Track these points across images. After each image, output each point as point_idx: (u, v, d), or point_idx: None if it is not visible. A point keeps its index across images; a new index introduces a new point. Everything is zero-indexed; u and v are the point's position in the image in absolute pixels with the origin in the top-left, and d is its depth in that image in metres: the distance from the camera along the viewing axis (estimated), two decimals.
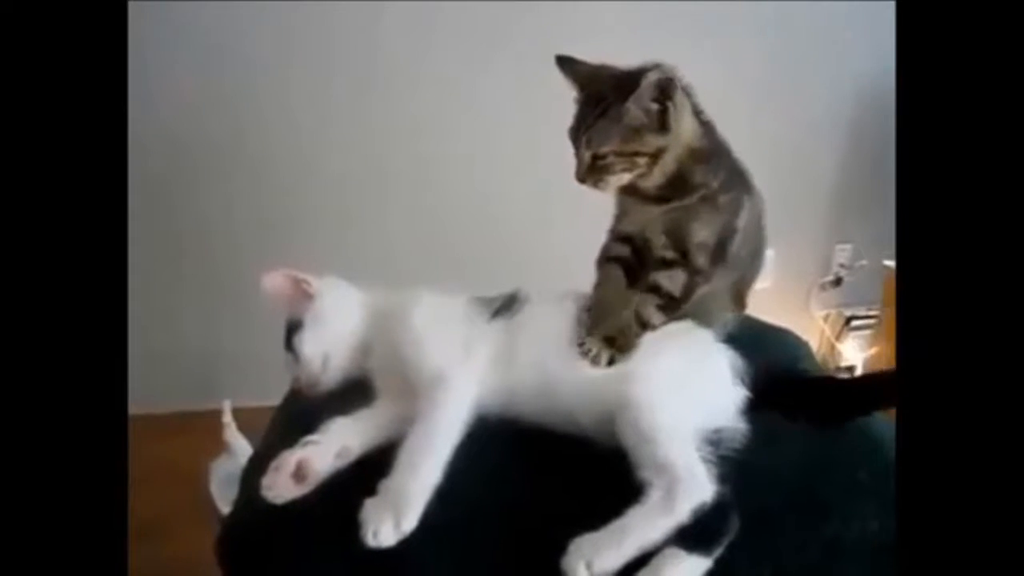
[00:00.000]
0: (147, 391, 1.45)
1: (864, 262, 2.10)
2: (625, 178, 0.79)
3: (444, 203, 1.84)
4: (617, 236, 0.88)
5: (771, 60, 1.86)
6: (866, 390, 0.82)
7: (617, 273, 0.86)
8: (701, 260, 0.82)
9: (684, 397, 0.73)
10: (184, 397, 1.82)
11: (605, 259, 0.88)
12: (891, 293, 1.95)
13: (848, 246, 2.13)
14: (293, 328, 0.82)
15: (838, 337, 2.16)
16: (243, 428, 1.53)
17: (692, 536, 0.63)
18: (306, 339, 0.80)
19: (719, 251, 0.83)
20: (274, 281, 0.82)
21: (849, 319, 2.15)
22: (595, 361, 0.77)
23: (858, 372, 2.12)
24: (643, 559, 0.61)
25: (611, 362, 0.77)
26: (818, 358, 2.19)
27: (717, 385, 0.77)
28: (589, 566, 0.60)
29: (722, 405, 0.75)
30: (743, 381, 0.77)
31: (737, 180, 0.84)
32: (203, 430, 1.58)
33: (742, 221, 0.84)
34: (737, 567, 0.63)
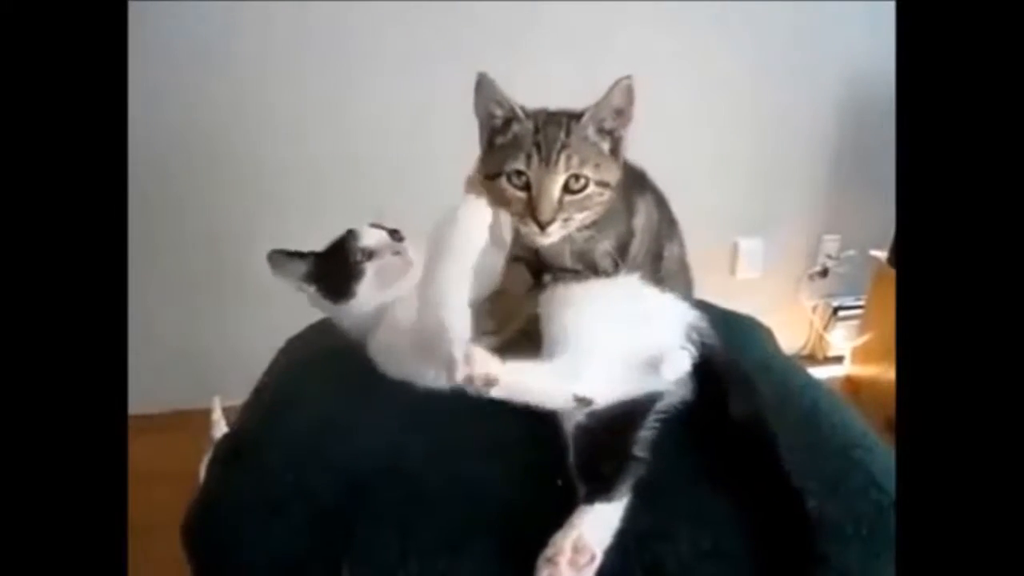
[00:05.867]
0: (140, 390, 1.48)
1: (851, 252, 2.11)
2: (585, 217, 0.75)
3: (436, 198, 1.85)
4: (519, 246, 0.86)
5: (759, 52, 1.86)
6: None
7: (522, 272, 0.85)
8: (607, 267, 0.82)
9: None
10: (177, 396, 1.85)
11: (511, 259, 0.87)
12: (878, 283, 1.96)
13: (835, 237, 2.13)
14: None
15: (826, 327, 2.17)
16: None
17: (593, 489, 0.65)
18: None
19: (620, 254, 0.82)
20: None
21: (836, 309, 2.15)
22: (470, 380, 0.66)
23: (846, 361, 2.14)
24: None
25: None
26: (807, 348, 2.22)
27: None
28: None
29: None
30: (694, 341, 0.75)
31: (630, 184, 0.82)
32: (196, 429, 1.61)
33: (639, 222, 0.83)
34: (656, 523, 0.64)
